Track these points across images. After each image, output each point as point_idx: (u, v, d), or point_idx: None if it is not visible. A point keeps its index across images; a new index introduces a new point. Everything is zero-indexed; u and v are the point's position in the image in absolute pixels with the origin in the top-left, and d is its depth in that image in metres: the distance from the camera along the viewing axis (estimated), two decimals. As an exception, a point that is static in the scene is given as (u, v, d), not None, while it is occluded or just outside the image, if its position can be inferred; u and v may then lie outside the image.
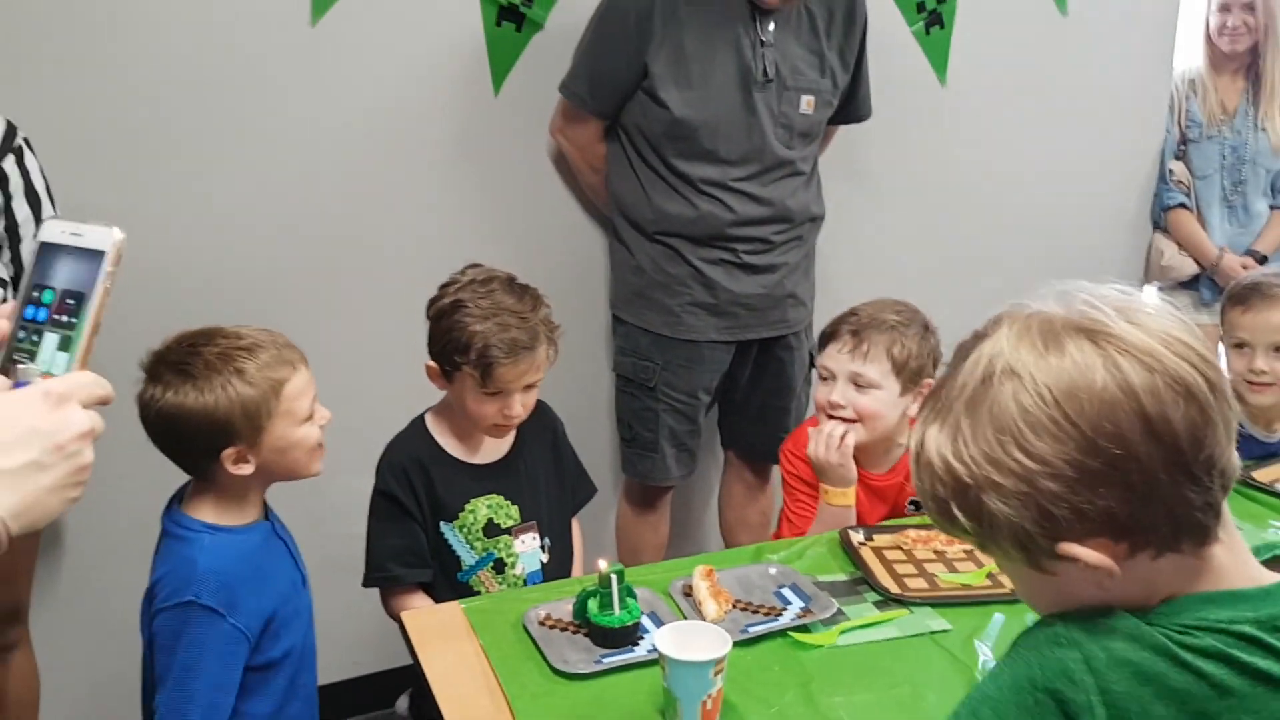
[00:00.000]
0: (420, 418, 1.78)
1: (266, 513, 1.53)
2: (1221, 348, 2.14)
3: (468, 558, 1.73)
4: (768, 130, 2.19)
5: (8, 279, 1.79)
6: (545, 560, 1.78)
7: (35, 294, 0.81)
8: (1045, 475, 0.75)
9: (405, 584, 1.71)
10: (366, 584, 1.73)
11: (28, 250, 1.79)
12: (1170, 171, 3.00)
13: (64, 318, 0.80)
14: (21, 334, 0.80)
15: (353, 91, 2.19)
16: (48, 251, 0.82)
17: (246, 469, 1.41)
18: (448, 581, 1.73)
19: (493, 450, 1.77)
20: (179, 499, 1.48)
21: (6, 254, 1.77)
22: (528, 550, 1.76)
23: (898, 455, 1.92)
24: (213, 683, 1.38)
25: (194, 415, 1.37)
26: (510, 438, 1.79)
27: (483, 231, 2.36)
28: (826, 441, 1.80)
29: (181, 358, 1.40)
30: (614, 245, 2.38)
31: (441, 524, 1.72)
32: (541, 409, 1.82)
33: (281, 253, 2.19)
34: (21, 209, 1.77)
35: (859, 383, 1.83)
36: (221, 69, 2.07)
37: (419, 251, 2.31)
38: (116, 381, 0.84)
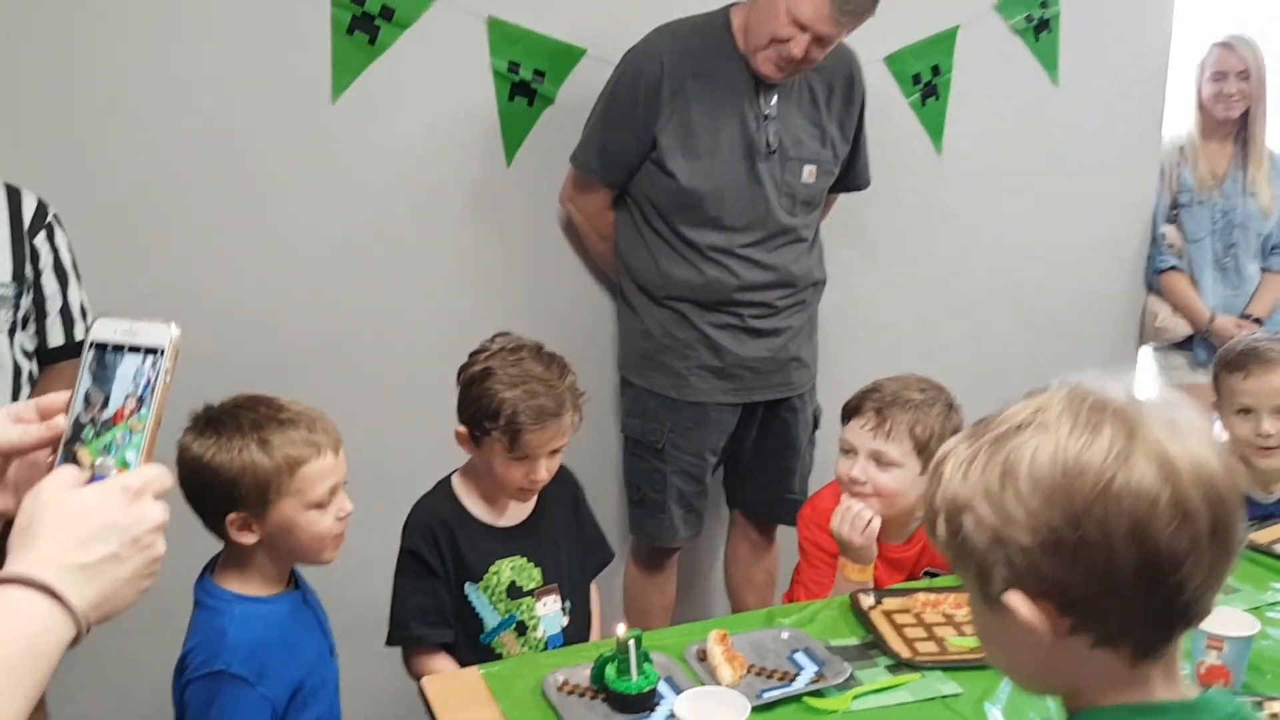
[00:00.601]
0: (446, 480, 1.83)
1: (296, 583, 1.55)
2: (1216, 417, 2.19)
3: (490, 619, 1.75)
4: (771, 199, 2.26)
5: (33, 351, 1.84)
6: (566, 623, 1.81)
7: (95, 393, 0.82)
8: (1022, 527, 0.79)
9: (427, 644, 1.74)
10: (390, 643, 1.76)
11: (51, 326, 1.83)
12: (1162, 235, 3.06)
13: (128, 415, 0.81)
14: (88, 432, 0.82)
15: (372, 164, 2.26)
16: (102, 351, 0.83)
17: (249, 538, 1.43)
18: (470, 643, 1.75)
19: (516, 513, 1.81)
20: (210, 569, 1.51)
21: (33, 326, 1.83)
22: (549, 613, 1.79)
23: (915, 527, 1.95)
24: None
25: (207, 470, 1.40)
26: (533, 500, 1.82)
27: (496, 296, 2.42)
28: (852, 521, 1.82)
29: (220, 414, 1.44)
30: (622, 310, 2.44)
31: (466, 585, 1.75)
32: (563, 473, 1.86)
33: (301, 320, 2.25)
34: (50, 284, 1.82)
35: (880, 460, 1.85)
36: (246, 145, 2.15)
37: (436, 317, 2.37)
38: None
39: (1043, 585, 0.79)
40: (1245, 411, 2.09)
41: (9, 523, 0.79)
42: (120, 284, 2.03)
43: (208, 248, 2.15)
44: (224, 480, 1.40)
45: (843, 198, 2.55)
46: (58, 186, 1.89)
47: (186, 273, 2.14)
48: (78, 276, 1.87)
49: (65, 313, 1.84)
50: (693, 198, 2.22)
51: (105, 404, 0.82)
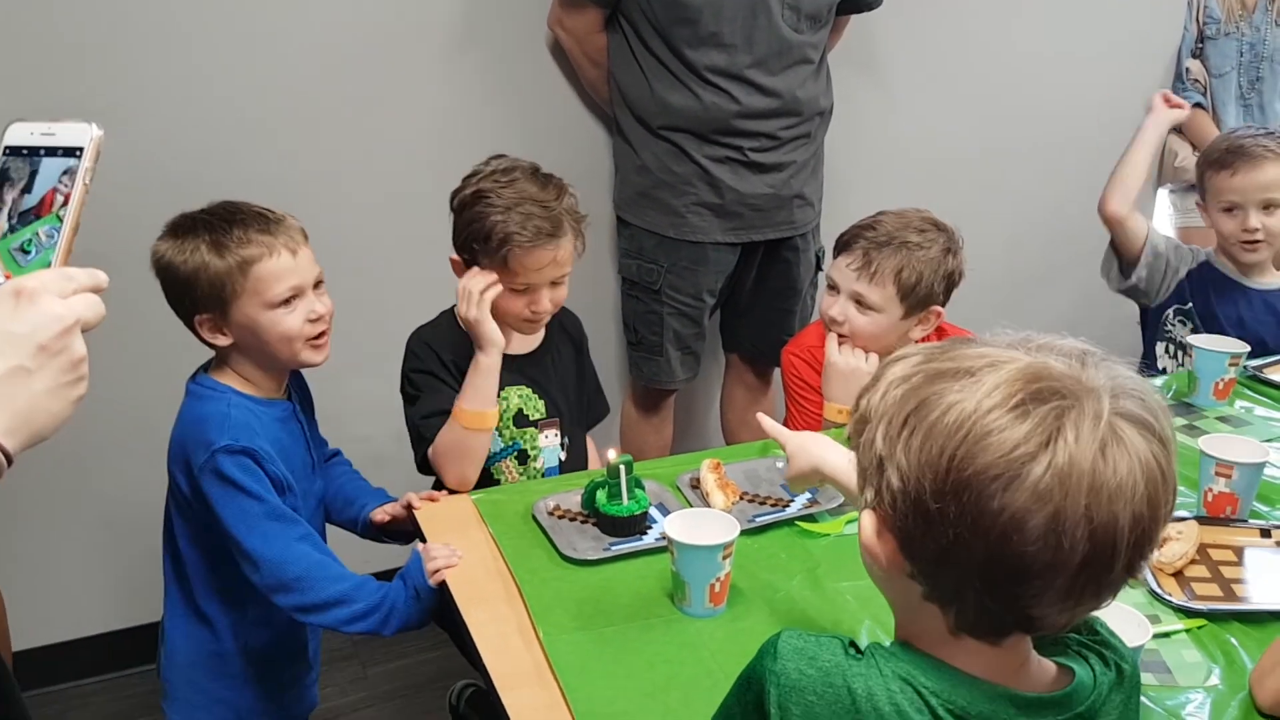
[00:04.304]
0: (449, 309, 1.73)
1: (290, 395, 1.54)
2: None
3: (494, 444, 1.70)
4: (774, 10, 2.12)
5: None
6: (563, 458, 1.77)
7: (8, 196, 0.77)
8: (898, 470, 0.75)
9: None
10: (420, 461, 1.65)
11: None
12: (1187, 70, 2.94)
13: (53, 209, 0.76)
14: (4, 237, 0.76)
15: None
16: (16, 155, 0.78)
17: (222, 340, 1.42)
18: None
19: (523, 343, 1.74)
20: (204, 369, 1.50)
21: None
22: (550, 445, 1.75)
23: None
24: (274, 509, 1.39)
25: (168, 271, 1.40)
26: (541, 333, 1.76)
27: (484, 129, 2.32)
28: (854, 351, 1.78)
29: (188, 216, 1.42)
30: (618, 145, 2.34)
31: None
32: (570, 318, 1.81)
33: (282, 151, 2.16)
34: None
35: (860, 302, 1.81)
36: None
37: (420, 152, 2.28)
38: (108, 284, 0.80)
39: (895, 525, 0.77)
40: (1230, 209, 2.09)
41: None
42: (89, 111, 1.94)
43: (180, 72, 2.05)
44: (180, 282, 1.40)
45: (854, 21, 2.40)
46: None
47: (158, 99, 2.04)
48: None
49: None
50: (689, 11, 2.08)
51: (19, 206, 0.77)
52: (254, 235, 1.39)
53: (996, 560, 0.72)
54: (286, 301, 1.42)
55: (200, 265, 1.38)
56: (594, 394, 1.90)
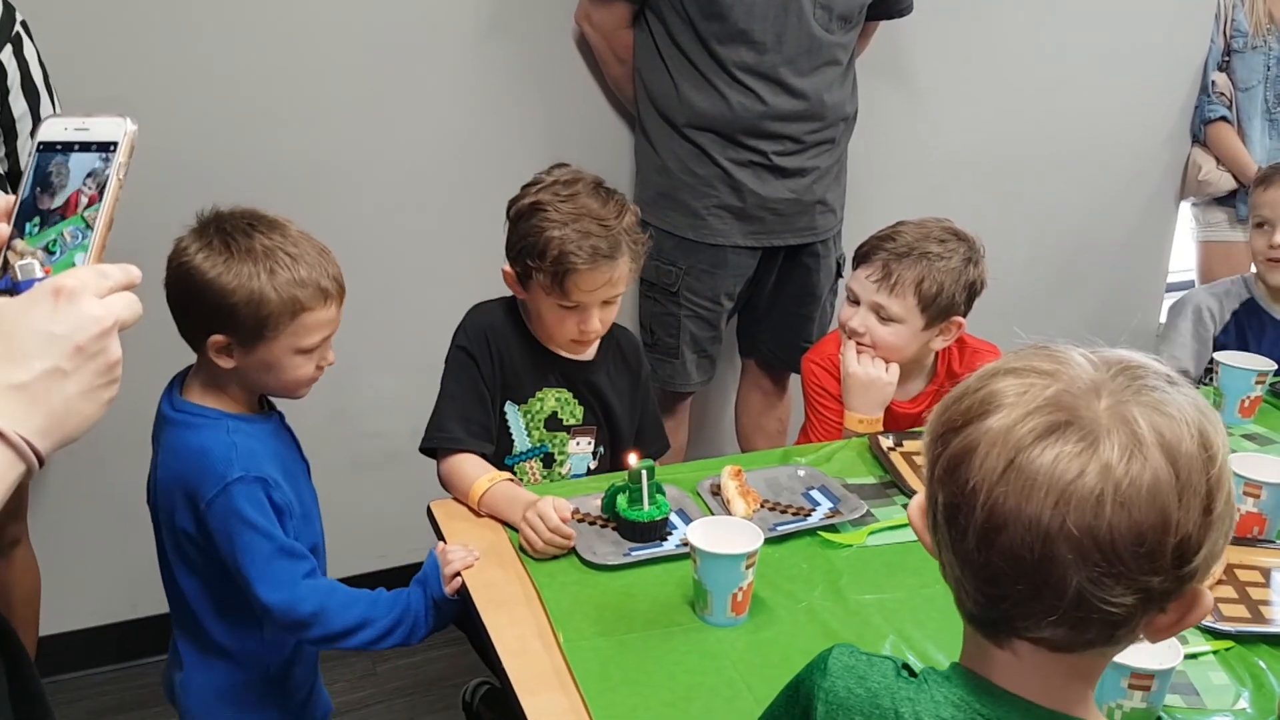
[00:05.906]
0: (511, 299, 1.69)
1: (269, 407, 1.47)
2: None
3: (521, 444, 1.68)
4: (806, 9, 2.10)
5: (3, 174, 1.69)
6: (593, 468, 1.74)
7: (43, 194, 0.76)
8: (926, 448, 0.77)
9: (464, 449, 1.60)
10: (426, 445, 1.61)
11: (24, 147, 1.68)
12: (1213, 83, 2.91)
13: (80, 209, 0.75)
14: (30, 236, 0.75)
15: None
16: (50, 151, 0.77)
17: (225, 362, 1.34)
18: (495, 462, 1.65)
19: (575, 346, 1.69)
20: (178, 387, 1.41)
21: (2, 149, 1.67)
22: (580, 453, 1.72)
23: (919, 386, 1.90)
24: (282, 545, 1.33)
25: (209, 286, 1.29)
26: (594, 349, 1.70)
27: (507, 123, 2.31)
28: (872, 360, 1.77)
29: (236, 228, 1.33)
30: (640, 144, 2.32)
31: (508, 403, 1.67)
32: (629, 341, 1.74)
33: (302, 145, 2.15)
34: (18, 104, 1.64)
35: (880, 314, 1.79)
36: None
37: (442, 145, 2.26)
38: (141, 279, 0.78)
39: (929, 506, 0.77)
40: (1262, 225, 2.07)
41: None
42: (99, 103, 1.93)
43: (198, 68, 2.03)
44: (224, 303, 1.30)
45: (882, 27, 2.39)
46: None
47: (175, 94, 2.03)
48: (50, 93, 1.70)
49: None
50: (720, 6, 2.06)
51: (51, 202, 0.75)
52: (313, 278, 1.33)
53: (960, 541, 0.72)
54: (310, 349, 1.37)
55: (251, 296, 1.29)
56: (651, 429, 1.80)
